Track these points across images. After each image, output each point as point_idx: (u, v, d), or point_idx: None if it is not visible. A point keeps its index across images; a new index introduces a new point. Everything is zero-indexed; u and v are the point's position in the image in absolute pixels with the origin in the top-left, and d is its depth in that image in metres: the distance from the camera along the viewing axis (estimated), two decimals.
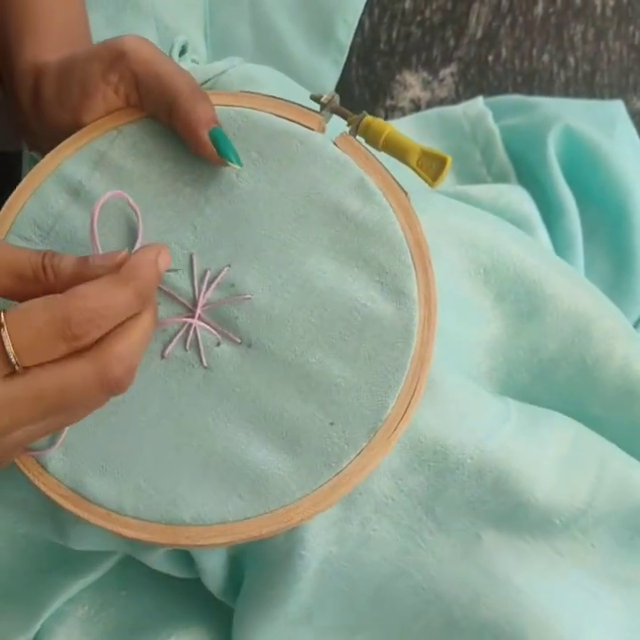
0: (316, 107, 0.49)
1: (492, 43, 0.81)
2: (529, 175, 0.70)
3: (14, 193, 0.47)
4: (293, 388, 0.44)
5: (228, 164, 0.45)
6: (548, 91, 0.81)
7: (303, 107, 0.48)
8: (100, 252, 0.42)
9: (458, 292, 0.52)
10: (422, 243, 0.45)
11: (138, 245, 0.45)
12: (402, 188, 0.46)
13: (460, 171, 0.72)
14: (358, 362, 0.44)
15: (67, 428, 0.43)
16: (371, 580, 0.47)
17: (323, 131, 0.48)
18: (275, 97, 0.48)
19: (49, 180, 0.47)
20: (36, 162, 0.50)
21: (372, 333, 0.44)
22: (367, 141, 0.47)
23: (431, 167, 0.46)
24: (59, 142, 0.47)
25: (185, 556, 0.51)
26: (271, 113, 0.47)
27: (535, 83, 0.81)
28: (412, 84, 0.80)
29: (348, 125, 0.48)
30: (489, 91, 0.80)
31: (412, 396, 0.43)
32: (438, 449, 0.45)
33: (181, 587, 0.58)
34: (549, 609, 0.46)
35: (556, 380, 0.52)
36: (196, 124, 0.45)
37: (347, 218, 0.46)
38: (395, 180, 0.46)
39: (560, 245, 0.67)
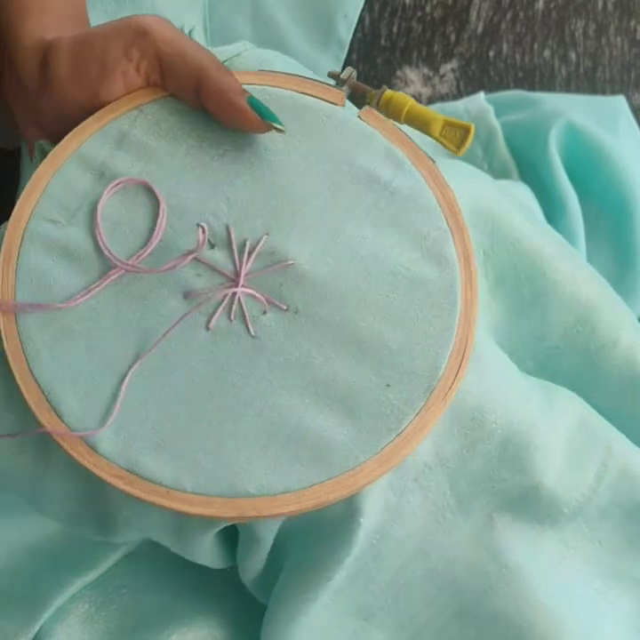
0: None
1: (492, 38, 0.81)
2: (531, 171, 0.70)
3: (35, 175, 0.46)
4: (345, 353, 0.44)
5: (270, 129, 0.45)
6: (549, 86, 0.81)
7: (324, 83, 0.48)
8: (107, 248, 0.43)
9: None
10: (455, 207, 0.46)
11: (160, 225, 0.45)
12: (429, 157, 0.47)
13: None
14: (407, 324, 0.44)
15: (117, 407, 0.42)
16: (393, 558, 0.46)
17: (344, 105, 0.48)
18: (296, 74, 0.48)
19: (71, 161, 0.46)
20: (42, 151, 0.50)
21: (417, 296, 0.44)
22: (388, 115, 0.48)
23: (455, 136, 0.47)
24: (71, 123, 0.47)
25: (228, 541, 0.50)
26: (294, 90, 0.48)
27: (536, 78, 0.81)
28: (413, 79, 0.80)
29: (369, 101, 0.48)
30: (490, 86, 0.80)
31: (463, 354, 0.44)
32: (476, 416, 0.45)
33: (183, 585, 0.58)
34: (559, 604, 0.46)
35: (561, 369, 0.52)
36: (231, 94, 0.44)
37: (380, 186, 0.46)
38: (421, 149, 0.47)
39: None
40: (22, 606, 0.55)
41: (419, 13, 0.81)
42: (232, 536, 0.50)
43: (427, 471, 0.45)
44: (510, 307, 0.52)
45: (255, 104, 0.45)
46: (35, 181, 0.46)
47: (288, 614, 0.48)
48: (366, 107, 0.48)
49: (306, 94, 0.48)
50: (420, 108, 0.48)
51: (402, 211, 0.46)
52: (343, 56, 0.76)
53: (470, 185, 0.52)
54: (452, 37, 0.81)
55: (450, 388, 0.43)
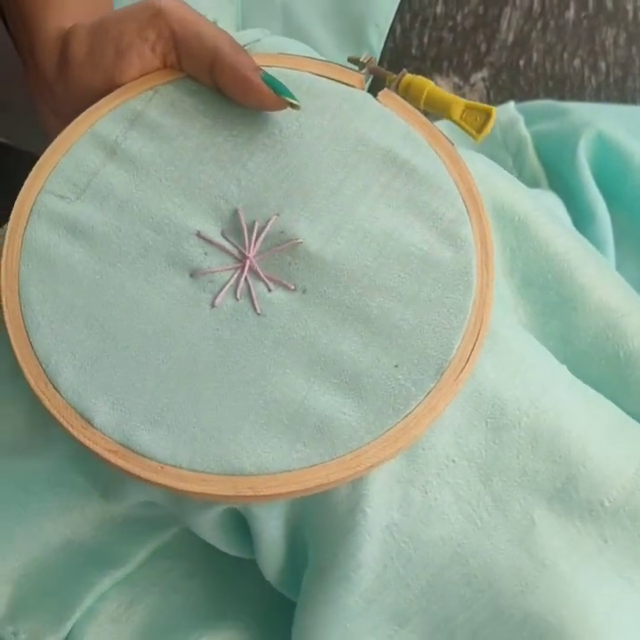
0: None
1: (523, 48, 0.81)
2: (560, 181, 0.70)
3: (47, 151, 0.46)
4: (353, 333, 0.43)
5: (286, 105, 0.45)
6: (579, 95, 0.81)
7: (343, 66, 0.48)
8: None
9: None
10: (474, 189, 0.45)
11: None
12: (448, 139, 0.46)
13: None
14: (419, 304, 0.43)
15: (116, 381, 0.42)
16: (428, 564, 0.45)
17: (364, 89, 0.47)
18: (314, 57, 0.48)
19: (83, 139, 0.46)
20: None
21: (431, 277, 0.43)
22: (408, 100, 0.47)
23: (476, 120, 0.46)
24: (87, 108, 0.47)
25: (239, 525, 0.49)
26: (311, 72, 0.47)
27: (566, 87, 0.81)
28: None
29: (388, 85, 0.48)
30: (520, 95, 0.80)
31: (477, 337, 0.42)
32: (496, 403, 0.44)
33: (214, 584, 0.58)
34: (590, 597, 0.45)
35: (589, 375, 0.51)
36: (246, 71, 0.44)
37: (396, 167, 0.45)
38: (440, 131, 0.46)
39: None
40: (53, 605, 0.56)
41: (449, 23, 0.82)
42: (241, 526, 0.49)
43: (451, 465, 0.44)
44: (538, 308, 0.51)
45: (269, 80, 0.44)
46: (46, 157, 0.46)
47: (316, 619, 0.47)
48: (385, 89, 0.47)
49: (324, 77, 0.47)
50: (440, 91, 0.47)
51: (417, 191, 0.45)
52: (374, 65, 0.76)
53: (494, 181, 0.51)
54: (483, 47, 0.81)
55: (462, 369, 0.42)
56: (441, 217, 0.44)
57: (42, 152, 0.47)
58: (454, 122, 0.46)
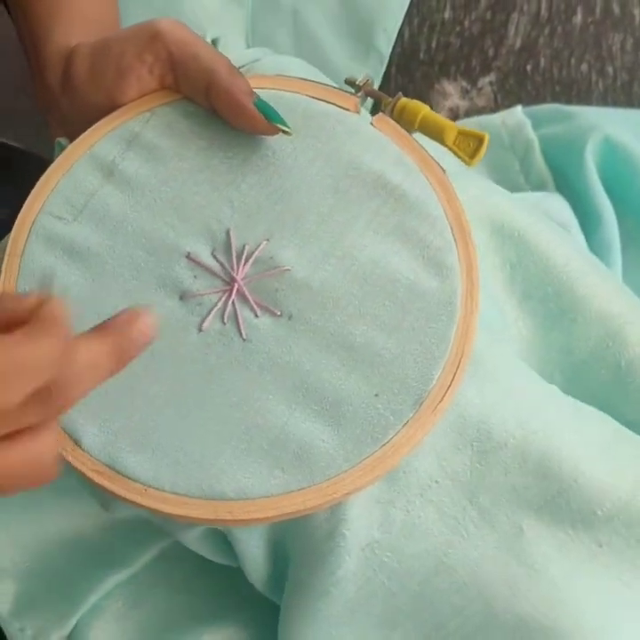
0: (351, 91, 0.49)
1: (530, 53, 0.82)
2: (567, 184, 0.71)
3: (46, 172, 0.47)
4: (336, 360, 0.43)
5: (277, 131, 0.45)
6: (586, 100, 0.81)
7: (338, 89, 0.48)
8: None
9: (486, 286, 0.51)
10: (462, 217, 0.45)
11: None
12: (439, 166, 0.46)
13: (498, 179, 0.72)
14: (402, 333, 0.43)
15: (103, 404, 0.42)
16: (413, 574, 0.46)
17: (358, 112, 0.48)
18: (310, 80, 0.48)
19: (82, 160, 0.47)
20: (61, 148, 0.50)
21: (415, 306, 0.44)
22: (402, 124, 0.48)
23: (468, 146, 0.46)
24: (90, 125, 0.48)
25: (223, 539, 0.50)
26: (307, 95, 0.48)
27: (573, 92, 0.81)
28: (451, 93, 0.81)
29: (384, 108, 0.48)
30: (527, 100, 0.81)
31: (457, 366, 0.43)
32: (482, 427, 0.44)
33: (216, 585, 0.58)
34: (585, 601, 0.46)
35: (590, 384, 0.52)
36: (239, 96, 0.45)
37: (386, 192, 0.45)
38: (432, 157, 0.46)
39: (597, 254, 0.67)
40: (58, 602, 0.56)
41: (457, 28, 0.82)
42: (224, 540, 0.50)
43: (434, 486, 0.45)
44: (538, 321, 0.52)
45: (262, 106, 0.45)
46: (46, 178, 0.47)
47: (300, 628, 0.48)
48: (380, 114, 0.48)
49: (319, 100, 0.48)
50: (435, 116, 0.47)
51: (406, 218, 0.45)
52: (382, 69, 0.77)
53: (492, 198, 0.52)
54: (491, 52, 0.82)
55: (441, 400, 0.42)
56: (428, 245, 0.45)
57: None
58: (447, 147, 0.47)
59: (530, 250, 0.51)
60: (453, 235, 0.45)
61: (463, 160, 0.47)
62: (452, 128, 0.47)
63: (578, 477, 0.45)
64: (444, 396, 0.42)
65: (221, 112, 0.46)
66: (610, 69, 0.82)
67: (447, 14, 0.82)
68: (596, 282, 0.51)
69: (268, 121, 0.45)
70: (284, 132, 0.45)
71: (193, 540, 0.51)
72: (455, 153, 0.47)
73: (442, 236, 0.45)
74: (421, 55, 0.81)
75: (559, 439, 0.45)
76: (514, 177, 0.72)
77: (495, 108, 0.81)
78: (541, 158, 0.71)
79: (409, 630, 0.48)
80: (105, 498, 0.50)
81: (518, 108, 0.74)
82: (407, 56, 0.81)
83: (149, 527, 0.57)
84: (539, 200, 0.66)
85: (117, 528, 0.57)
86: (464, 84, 0.81)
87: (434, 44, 0.82)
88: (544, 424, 0.45)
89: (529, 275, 0.51)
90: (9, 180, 0.69)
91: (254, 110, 0.45)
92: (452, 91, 0.81)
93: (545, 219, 0.54)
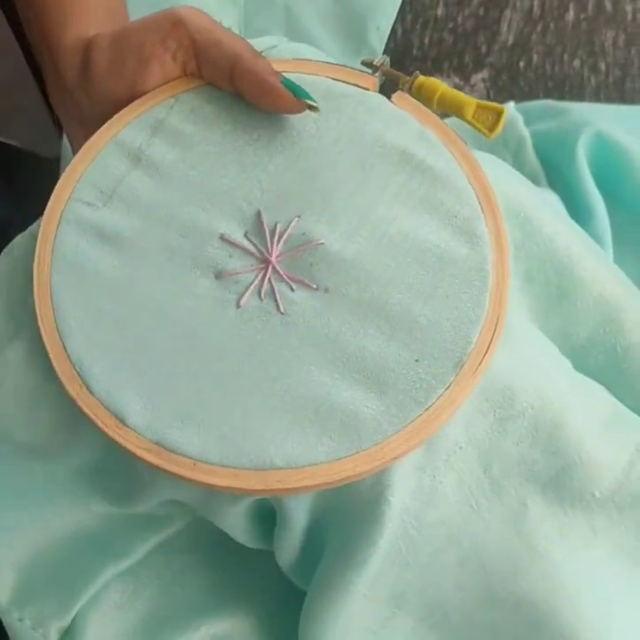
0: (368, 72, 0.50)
1: (523, 49, 0.82)
2: (559, 179, 0.71)
3: (72, 162, 0.47)
4: (375, 329, 0.44)
5: (305, 108, 0.46)
6: (578, 96, 0.81)
7: (357, 70, 0.49)
8: None
9: None
10: (488, 188, 0.46)
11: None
12: (462, 139, 0.47)
13: None
14: (437, 300, 0.44)
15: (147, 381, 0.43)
16: (426, 545, 0.46)
17: (376, 91, 0.49)
18: (329, 62, 0.49)
19: (108, 148, 0.48)
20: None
21: (448, 273, 0.45)
22: (420, 101, 0.48)
23: (488, 119, 0.47)
24: (108, 117, 0.48)
25: (265, 517, 0.50)
26: (328, 76, 0.48)
27: (566, 88, 0.81)
28: None
29: (401, 87, 0.49)
30: (520, 96, 0.81)
31: (494, 330, 0.44)
32: (507, 393, 0.45)
33: (215, 577, 0.58)
34: (581, 588, 0.46)
35: (587, 368, 0.52)
36: (265, 75, 0.45)
37: (412, 166, 0.46)
38: (454, 131, 0.47)
39: None
40: (57, 593, 0.57)
41: (450, 25, 0.82)
42: (266, 517, 0.50)
43: (458, 451, 0.45)
44: (539, 303, 0.52)
45: (288, 83, 0.46)
46: (74, 166, 0.47)
47: (326, 603, 0.48)
48: (399, 91, 0.49)
49: (339, 81, 0.48)
50: (453, 91, 0.48)
51: (433, 190, 0.46)
52: None
53: (503, 179, 0.52)
54: (483, 48, 0.82)
55: (480, 362, 0.43)
56: (456, 215, 0.46)
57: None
58: (467, 121, 0.47)
59: (534, 230, 0.51)
60: (480, 204, 0.46)
61: (483, 133, 0.47)
62: (470, 103, 0.47)
63: (582, 454, 0.46)
64: (482, 358, 0.43)
65: (247, 93, 0.46)
66: (602, 65, 0.82)
67: (440, 11, 0.82)
68: (595, 266, 0.52)
69: (295, 97, 0.45)
70: (311, 108, 0.46)
71: (232, 520, 0.50)
72: (475, 126, 0.47)
73: (469, 205, 0.46)
74: (414, 51, 0.82)
75: (569, 413, 0.46)
76: None
77: None
78: (533, 154, 0.72)
79: (415, 606, 0.48)
80: (127, 491, 0.51)
81: (511, 104, 0.75)
82: (400, 52, 0.82)
83: (148, 518, 0.57)
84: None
85: (116, 519, 0.57)
86: (457, 80, 0.81)
87: (427, 41, 0.82)
88: (557, 394, 0.46)
89: (532, 256, 0.51)
90: (5, 178, 0.70)
91: (281, 87, 0.45)
92: None
93: (547, 202, 0.55)
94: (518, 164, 0.72)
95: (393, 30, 0.80)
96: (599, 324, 0.52)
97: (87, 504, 0.56)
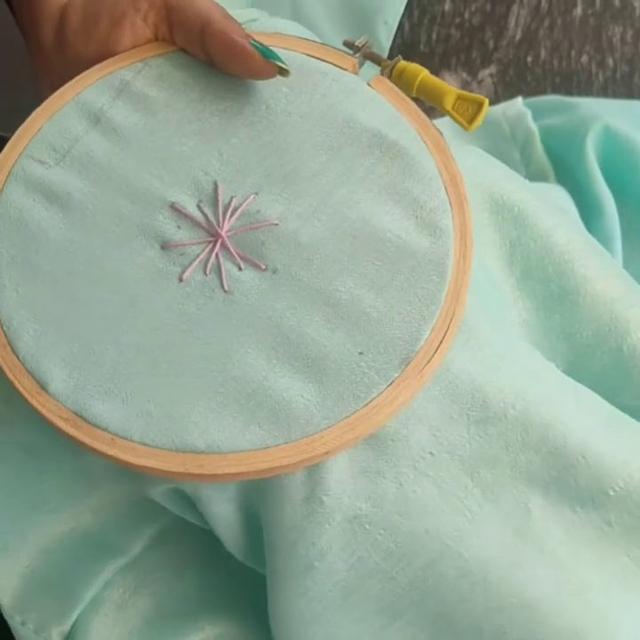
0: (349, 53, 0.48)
1: (530, 44, 0.82)
2: (567, 174, 0.71)
3: (30, 117, 0.46)
4: (320, 316, 0.42)
5: (275, 71, 0.44)
6: (586, 91, 0.81)
7: (337, 49, 0.47)
8: None
9: (483, 263, 0.50)
10: (458, 180, 0.44)
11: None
12: (436, 128, 0.45)
13: None
14: (390, 292, 0.42)
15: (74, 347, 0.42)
16: (414, 558, 0.44)
17: (356, 73, 0.47)
18: (308, 39, 0.48)
19: (68, 106, 0.46)
20: None
21: (405, 265, 0.42)
22: (400, 87, 0.47)
23: (467, 110, 0.45)
24: None
25: (252, 527, 0.49)
26: (305, 53, 0.47)
27: (574, 83, 0.81)
28: (452, 84, 0.81)
29: (382, 71, 0.47)
30: (527, 91, 0.81)
31: (447, 330, 0.41)
32: (477, 396, 0.43)
33: (218, 570, 0.57)
34: (587, 580, 0.45)
35: (591, 368, 0.51)
36: (235, 37, 0.44)
37: (381, 151, 0.44)
38: (429, 120, 0.46)
39: None
40: (59, 595, 0.56)
41: (457, 20, 0.82)
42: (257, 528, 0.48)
43: (428, 457, 0.43)
44: (539, 302, 0.51)
45: (257, 45, 0.44)
46: (29, 123, 0.46)
47: (292, 611, 0.46)
48: (377, 74, 0.47)
49: (316, 58, 0.47)
50: (434, 79, 0.46)
51: (400, 177, 0.44)
52: None
53: (492, 173, 0.51)
54: (491, 44, 0.82)
55: (428, 361, 0.41)
56: (422, 205, 0.44)
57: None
58: (446, 112, 0.46)
59: (530, 227, 0.50)
60: (448, 197, 0.44)
61: (462, 125, 0.45)
62: (451, 92, 0.45)
63: (586, 453, 0.44)
64: (431, 357, 0.41)
65: (216, 55, 0.45)
66: (610, 61, 0.82)
67: (447, 6, 0.82)
68: (597, 264, 0.50)
69: (265, 59, 0.44)
70: (281, 71, 0.44)
71: (161, 496, 0.49)
72: (454, 117, 0.45)
73: (436, 197, 0.44)
74: (422, 47, 0.82)
75: (562, 413, 0.44)
76: (514, 168, 0.72)
77: (495, 99, 0.81)
78: (542, 149, 0.71)
79: (413, 618, 0.47)
80: (77, 452, 0.49)
81: (519, 100, 0.74)
82: (407, 48, 0.81)
83: (142, 509, 0.56)
84: (533, 186, 0.66)
85: (111, 514, 0.56)
86: (464, 75, 0.81)
87: (434, 36, 0.82)
88: (544, 396, 0.44)
89: (529, 253, 0.50)
90: None
91: (250, 48, 0.44)
92: (452, 83, 0.81)
93: (544, 198, 0.53)
94: (526, 159, 0.72)
95: (400, 26, 0.79)
96: (604, 322, 0.50)
97: (81, 497, 0.55)
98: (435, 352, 0.41)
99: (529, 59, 0.82)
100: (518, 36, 0.82)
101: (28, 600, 0.56)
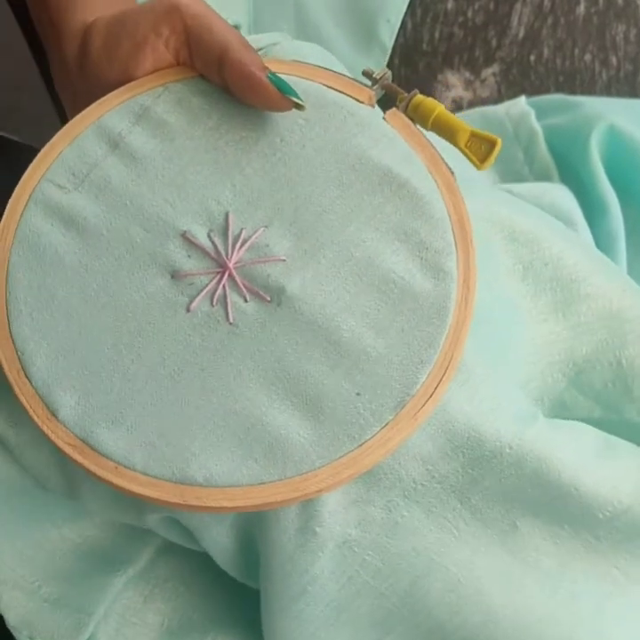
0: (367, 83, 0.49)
1: (533, 43, 0.81)
2: (571, 174, 0.70)
3: (51, 140, 0.47)
4: (321, 354, 0.42)
5: (291, 105, 0.44)
6: (589, 90, 0.81)
7: (355, 80, 0.48)
8: None
9: (498, 287, 0.51)
10: (465, 222, 0.45)
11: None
12: (448, 167, 0.46)
13: (502, 170, 0.72)
14: (391, 334, 0.43)
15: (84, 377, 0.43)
16: (402, 574, 0.45)
17: (372, 106, 0.47)
18: (327, 68, 0.48)
19: (88, 131, 0.47)
20: None
21: (407, 307, 0.43)
22: (416, 120, 0.47)
23: (480, 149, 0.46)
24: None
25: (249, 552, 0.50)
26: (322, 83, 0.47)
27: (577, 82, 0.81)
28: (455, 83, 0.81)
29: (398, 103, 0.48)
30: (531, 90, 0.80)
31: (444, 374, 0.42)
32: (472, 435, 0.44)
33: (226, 580, 0.58)
34: (576, 591, 0.45)
35: (592, 384, 0.51)
36: (252, 68, 0.44)
37: (391, 190, 0.45)
38: (442, 158, 0.46)
39: (602, 244, 0.67)
40: (70, 610, 0.55)
41: (460, 19, 0.82)
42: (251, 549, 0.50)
43: (419, 488, 0.44)
44: (548, 325, 0.51)
45: (274, 79, 0.44)
46: (50, 147, 0.46)
47: (285, 631, 0.47)
48: (393, 109, 0.47)
49: (333, 89, 0.47)
50: (449, 115, 0.47)
51: (408, 218, 0.45)
52: (385, 60, 0.77)
53: (504, 205, 0.52)
54: (494, 42, 0.81)
55: (422, 406, 0.42)
56: (428, 246, 0.44)
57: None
58: (459, 149, 0.46)
59: (542, 251, 0.51)
60: (455, 239, 0.44)
61: (474, 163, 0.46)
62: (465, 130, 0.46)
63: (579, 486, 0.45)
64: (426, 402, 0.42)
65: (233, 85, 0.46)
66: (613, 60, 0.81)
67: (450, 5, 0.82)
68: (602, 281, 0.51)
69: (281, 93, 0.44)
70: (297, 106, 0.45)
71: (157, 523, 0.50)
72: (466, 155, 0.46)
73: (443, 238, 0.44)
74: (424, 46, 0.81)
75: (556, 448, 0.45)
76: (518, 167, 0.72)
77: (499, 98, 0.80)
78: (545, 148, 0.71)
79: (405, 633, 0.47)
80: (73, 484, 0.50)
81: (522, 99, 0.74)
82: (410, 47, 0.81)
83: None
84: (543, 191, 0.66)
85: (116, 526, 0.56)
86: (467, 74, 0.81)
87: (437, 35, 0.81)
88: (539, 434, 0.45)
89: (540, 275, 0.51)
90: (8, 173, 0.69)
91: (267, 82, 0.44)
92: (455, 82, 0.81)
93: (554, 221, 0.54)
94: (529, 158, 0.72)
95: (402, 25, 0.79)
96: (603, 337, 0.51)
97: (86, 515, 0.55)
98: (429, 397, 0.42)
99: (532, 57, 0.81)
100: (521, 35, 0.82)
101: (36, 615, 0.55)
